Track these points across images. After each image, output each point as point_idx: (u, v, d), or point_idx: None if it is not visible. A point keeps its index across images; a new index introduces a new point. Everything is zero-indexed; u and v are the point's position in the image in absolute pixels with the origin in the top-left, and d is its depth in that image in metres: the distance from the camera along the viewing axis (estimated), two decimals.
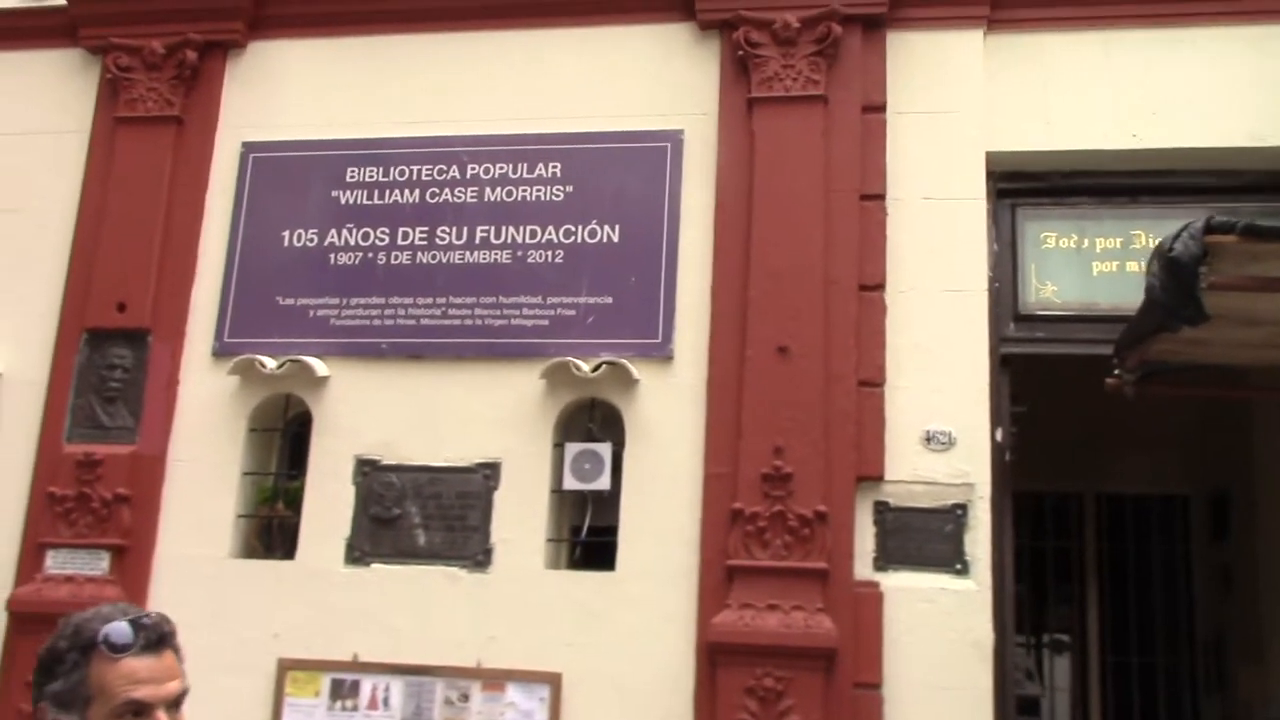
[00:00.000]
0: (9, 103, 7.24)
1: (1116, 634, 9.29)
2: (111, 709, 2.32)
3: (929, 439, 6.00)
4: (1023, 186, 6.50)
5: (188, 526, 6.43)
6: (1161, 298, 4.33)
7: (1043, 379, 6.63)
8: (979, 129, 6.36)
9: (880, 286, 6.20)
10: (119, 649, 2.35)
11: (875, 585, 5.86)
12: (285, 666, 6.11)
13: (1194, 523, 9.93)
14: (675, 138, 6.53)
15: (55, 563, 6.36)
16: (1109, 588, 9.32)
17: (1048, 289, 6.47)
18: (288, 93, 7.00)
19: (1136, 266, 6.40)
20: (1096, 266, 6.49)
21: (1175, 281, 4.27)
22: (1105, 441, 8.99)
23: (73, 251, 6.90)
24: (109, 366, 6.62)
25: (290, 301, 6.64)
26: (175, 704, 2.39)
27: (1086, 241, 6.52)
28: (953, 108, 6.40)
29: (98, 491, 6.40)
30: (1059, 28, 6.48)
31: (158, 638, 2.39)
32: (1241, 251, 4.25)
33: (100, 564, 6.32)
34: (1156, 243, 4.50)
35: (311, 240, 6.72)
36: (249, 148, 6.91)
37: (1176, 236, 4.28)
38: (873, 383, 6.08)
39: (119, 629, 2.35)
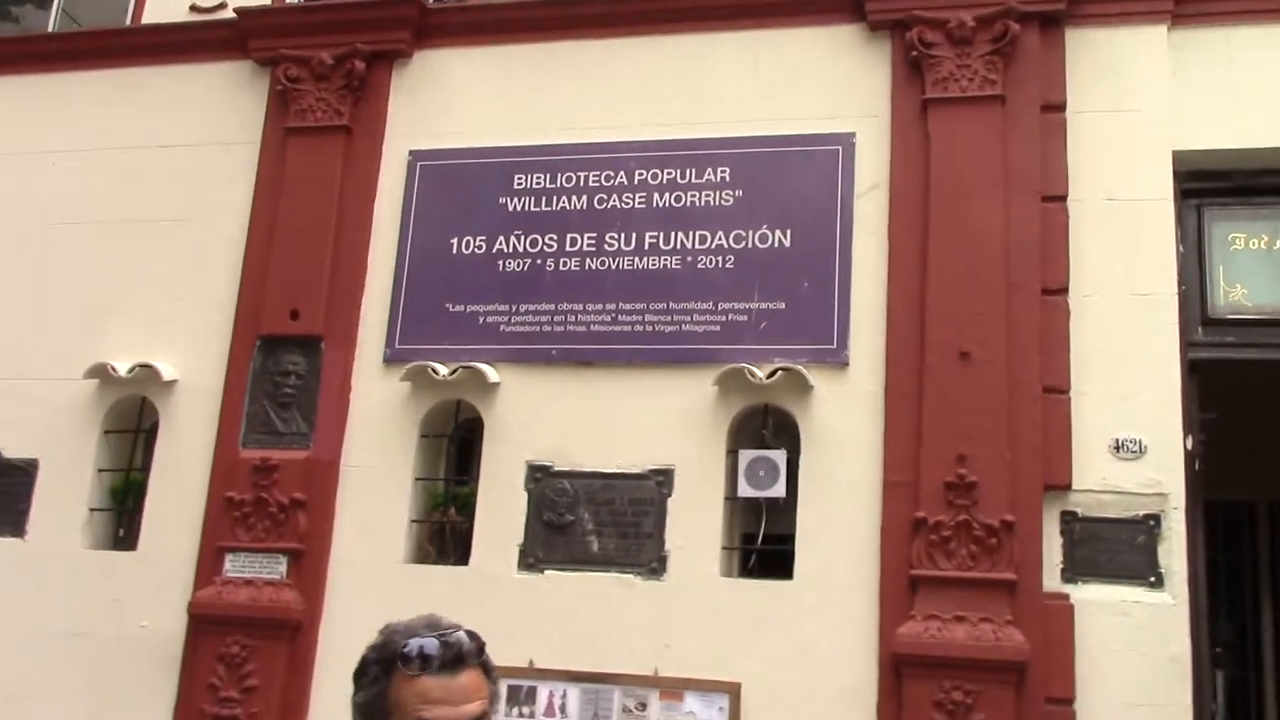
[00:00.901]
0: (180, 114, 7.41)
1: None
2: None
3: (1118, 447, 5.82)
4: (1209, 186, 6.28)
5: (362, 531, 6.49)
6: None
7: (1224, 385, 6.40)
8: (1164, 127, 6.17)
9: (1064, 290, 6.04)
10: (414, 666, 2.32)
11: (1065, 597, 5.70)
12: None
13: None
14: (847, 140, 6.44)
15: (234, 566, 6.47)
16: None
17: (1237, 292, 6.25)
18: (454, 101, 7.06)
19: None
20: None
21: None
22: (1274, 448, 8.66)
23: (245, 260, 7.03)
24: (283, 373, 6.72)
25: (460, 308, 6.68)
26: None
27: (1277, 242, 6.27)
28: (1136, 106, 6.22)
29: (274, 496, 6.50)
30: (1246, 20, 6.26)
31: (455, 656, 2.32)
32: None
33: (278, 568, 6.42)
34: None
35: (480, 247, 6.75)
36: (416, 156, 6.98)
37: None
38: (1058, 389, 5.92)
39: (416, 646, 2.31)
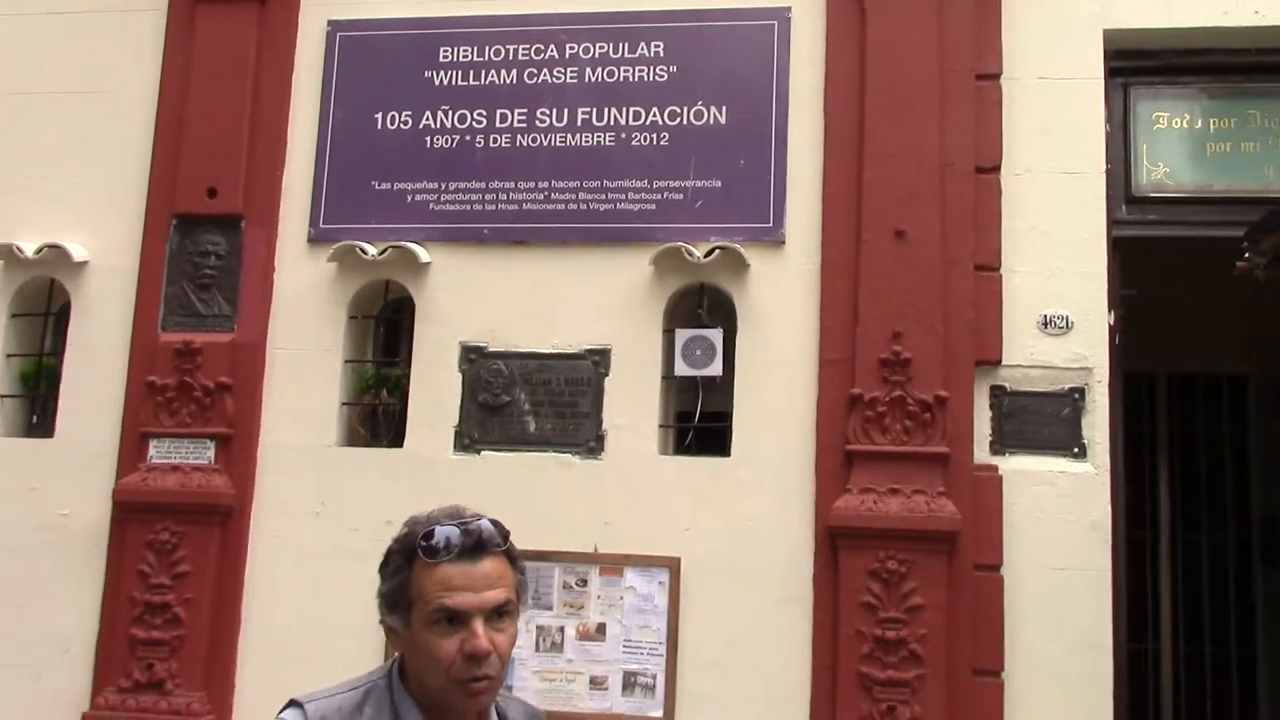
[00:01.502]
0: None
1: (1187, 513, 9.42)
2: (426, 614, 2.27)
3: (1046, 323, 5.97)
4: (1136, 65, 6.35)
5: (292, 415, 6.37)
6: None
7: (1144, 261, 6.56)
8: (1096, 5, 6.20)
9: (996, 169, 6.09)
10: (433, 554, 2.29)
11: (994, 469, 5.87)
12: None
13: (1252, 401, 9.98)
14: (782, 15, 6.35)
15: (159, 452, 6.31)
16: (1179, 468, 9.42)
17: (1159, 170, 6.38)
18: None
19: (1252, 147, 6.36)
20: (1210, 147, 6.39)
21: None
22: (1175, 323, 8.96)
23: (156, 136, 6.69)
24: (202, 253, 6.49)
25: (386, 186, 6.49)
26: (499, 612, 2.30)
27: (1200, 122, 6.41)
28: None
29: (199, 380, 6.33)
30: None
31: (474, 543, 2.30)
32: None
33: (206, 453, 6.28)
34: None
35: (406, 123, 6.54)
36: (335, 26, 6.69)
37: None
38: (989, 267, 6.02)
39: (435, 533, 2.29)
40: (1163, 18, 6.21)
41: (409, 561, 2.32)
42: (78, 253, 6.58)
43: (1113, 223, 6.18)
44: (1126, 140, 6.36)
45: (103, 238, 6.65)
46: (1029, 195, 6.08)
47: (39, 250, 6.55)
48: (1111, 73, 6.28)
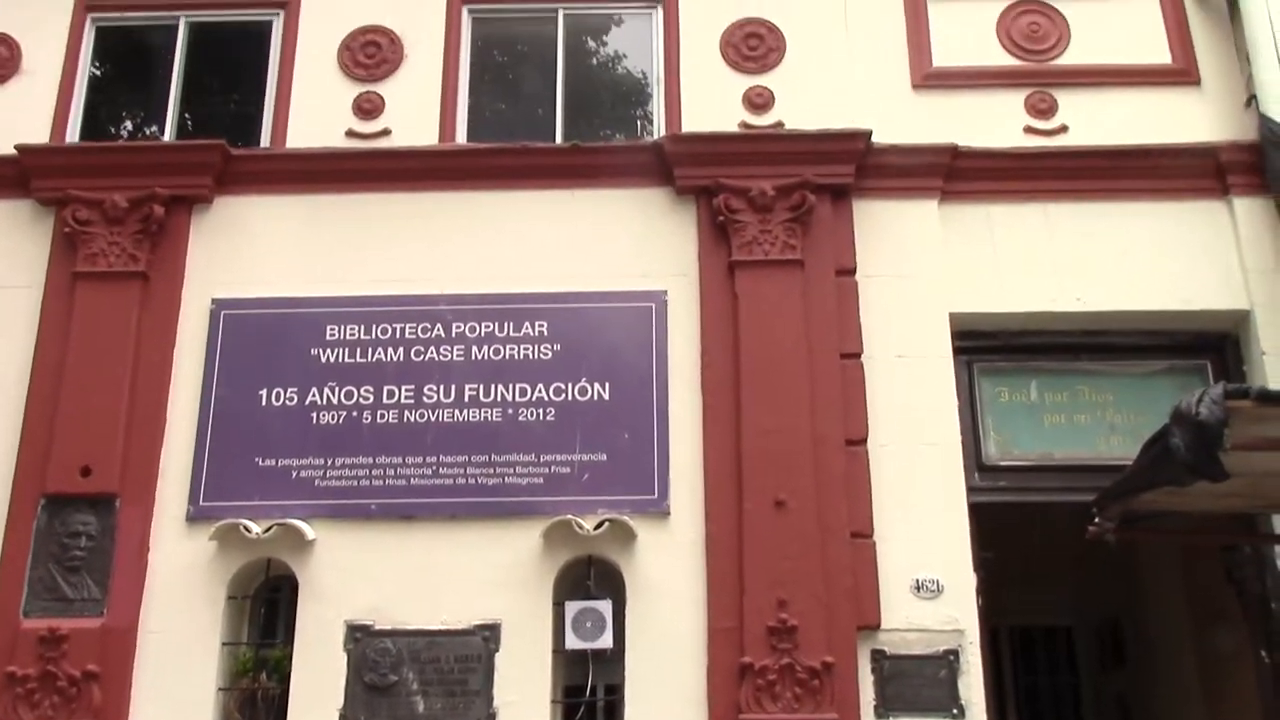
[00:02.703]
0: None
1: None
2: None
3: (919, 587, 6.30)
4: (978, 344, 6.97)
5: (164, 703, 6.11)
6: (1187, 458, 4.72)
7: (999, 524, 7.02)
8: (939, 291, 6.84)
9: (863, 441, 6.53)
10: None
11: None
12: None
13: (1081, 652, 10.53)
14: (659, 298, 6.77)
15: None
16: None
17: (1005, 439, 6.93)
18: (259, 249, 6.94)
19: (1084, 419, 6.99)
20: (1048, 419, 7.00)
21: (1200, 443, 4.68)
22: (1014, 581, 9.49)
23: (26, 412, 6.57)
24: (72, 534, 6.29)
25: (270, 463, 6.49)
26: None
27: (1036, 395, 7.03)
28: (915, 272, 6.87)
29: (64, 669, 6.03)
30: (1004, 199, 7.06)
31: None
32: (1254, 415, 4.72)
33: None
34: (1173, 406, 4.93)
35: (291, 399, 6.61)
36: (220, 304, 6.79)
37: (1199, 401, 4.71)
38: (863, 534, 6.36)
39: None
40: (999, 303, 6.89)
41: None
42: None
43: (968, 489, 6.62)
44: (974, 412, 6.92)
45: None
46: (895, 465, 6.51)
47: None
48: (957, 351, 6.86)
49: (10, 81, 7.39)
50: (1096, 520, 6.10)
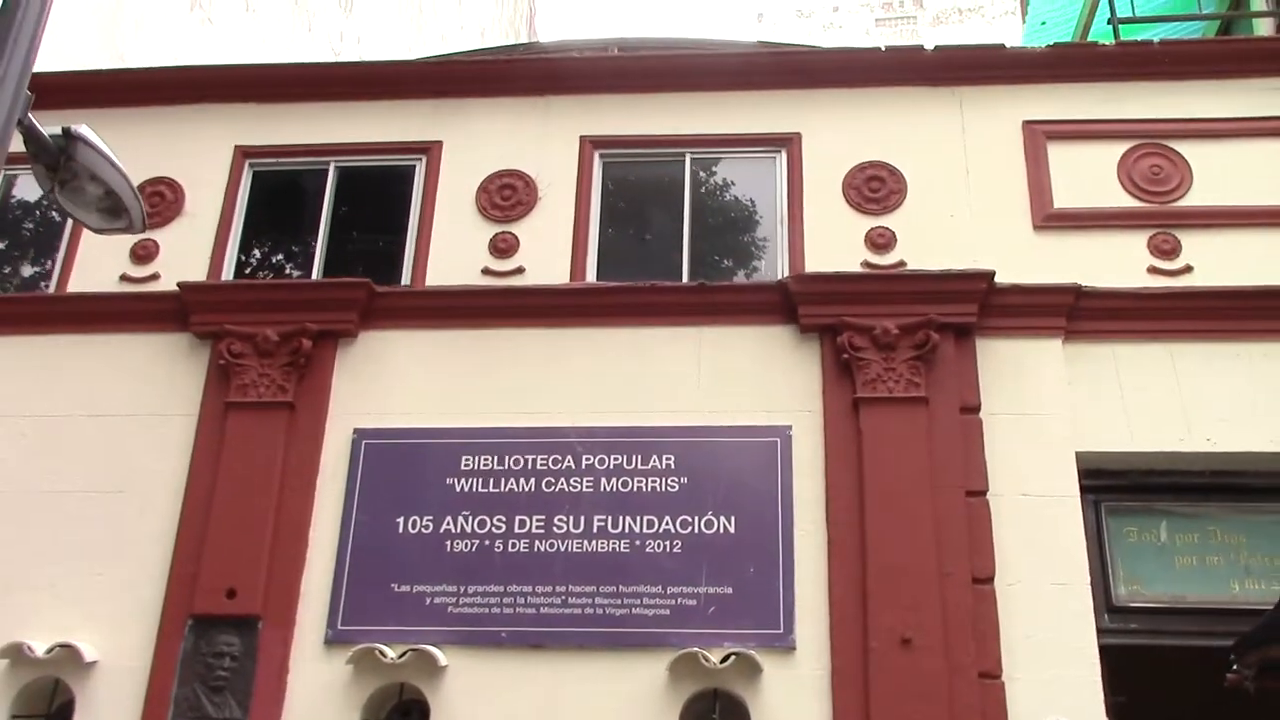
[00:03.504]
0: (115, 384, 7.39)
1: None
2: None
3: None
4: (1106, 484, 6.98)
5: None
6: None
7: (1129, 669, 6.93)
8: (1066, 430, 6.90)
9: (990, 579, 6.55)
10: None
11: None
12: None
13: None
14: (784, 433, 6.94)
15: None
16: None
17: (1136, 581, 6.89)
18: (399, 381, 7.30)
19: (1216, 561, 6.92)
20: (1178, 560, 6.94)
21: None
22: None
23: (178, 536, 6.94)
24: (216, 654, 6.57)
25: (405, 589, 6.74)
26: None
27: (1166, 536, 6.99)
28: (1040, 410, 6.96)
29: None
30: (1128, 339, 7.14)
31: None
32: None
33: None
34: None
35: (427, 527, 6.87)
36: (361, 434, 7.14)
37: None
38: (991, 675, 6.34)
39: None
40: (1127, 442, 6.92)
41: None
42: (88, 652, 6.62)
43: (1098, 630, 6.58)
44: (1103, 553, 6.90)
45: (116, 638, 6.72)
46: (1022, 604, 6.51)
47: (50, 650, 6.57)
48: (1084, 490, 6.87)
49: (173, 223, 7.94)
50: (1235, 668, 6.03)
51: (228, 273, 7.86)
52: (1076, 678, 6.35)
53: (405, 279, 7.73)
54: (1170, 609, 6.82)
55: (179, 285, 7.51)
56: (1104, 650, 6.58)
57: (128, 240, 7.75)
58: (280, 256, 8.18)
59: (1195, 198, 7.57)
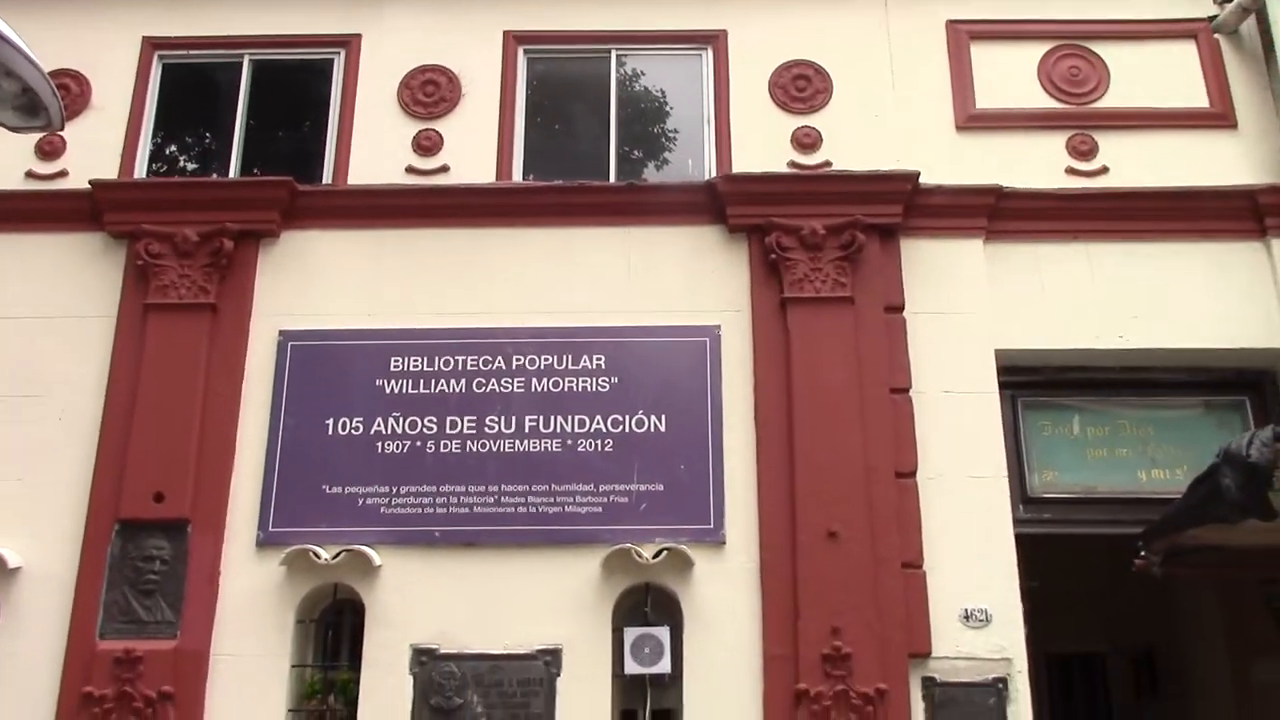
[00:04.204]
0: (26, 285, 7.19)
1: None
2: None
3: (968, 616, 6.53)
4: (1024, 380, 7.23)
5: None
6: (1238, 498, 5.02)
7: (1042, 555, 7.25)
8: (986, 327, 7.10)
9: (912, 473, 6.78)
10: None
11: None
12: None
13: (1114, 680, 10.74)
14: (713, 333, 7.04)
15: None
16: None
17: (1049, 473, 7.18)
18: (324, 282, 7.22)
19: (1125, 453, 7.24)
20: (1090, 453, 7.24)
21: (1251, 484, 4.96)
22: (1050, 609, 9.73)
23: (101, 440, 6.83)
24: (146, 558, 6.55)
25: (337, 490, 6.75)
26: None
27: (1079, 430, 7.28)
28: (962, 309, 7.14)
29: (139, 689, 6.28)
30: (1048, 239, 7.33)
31: None
32: None
33: None
34: (1222, 447, 5.20)
35: (357, 429, 6.87)
36: (287, 336, 7.07)
37: (1249, 443, 5.00)
38: (914, 564, 6.60)
39: None
40: (1044, 339, 7.15)
41: None
42: (11, 559, 6.55)
43: (1014, 521, 6.86)
44: (1018, 446, 7.16)
45: (40, 544, 6.64)
46: (943, 497, 6.75)
47: None
48: (1002, 386, 7.11)
49: (80, 118, 7.65)
50: (1143, 554, 6.37)
51: (140, 170, 7.65)
52: (994, 566, 6.64)
53: (327, 178, 7.60)
54: (1082, 499, 7.13)
55: (91, 184, 7.29)
56: (1019, 539, 6.85)
57: (31, 134, 7.46)
58: (195, 154, 7.97)
59: (1112, 99, 7.75)
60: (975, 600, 6.57)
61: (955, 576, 6.61)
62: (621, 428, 6.88)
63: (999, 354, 7.08)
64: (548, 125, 7.95)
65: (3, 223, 7.32)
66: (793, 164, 7.51)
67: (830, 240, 7.10)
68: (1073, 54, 7.87)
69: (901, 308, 7.12)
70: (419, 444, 6.85)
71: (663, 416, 6.90)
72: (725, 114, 7.71)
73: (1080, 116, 7.70)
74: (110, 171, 7.53)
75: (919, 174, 7.24)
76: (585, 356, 7.02)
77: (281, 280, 7.23)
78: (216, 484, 6.75)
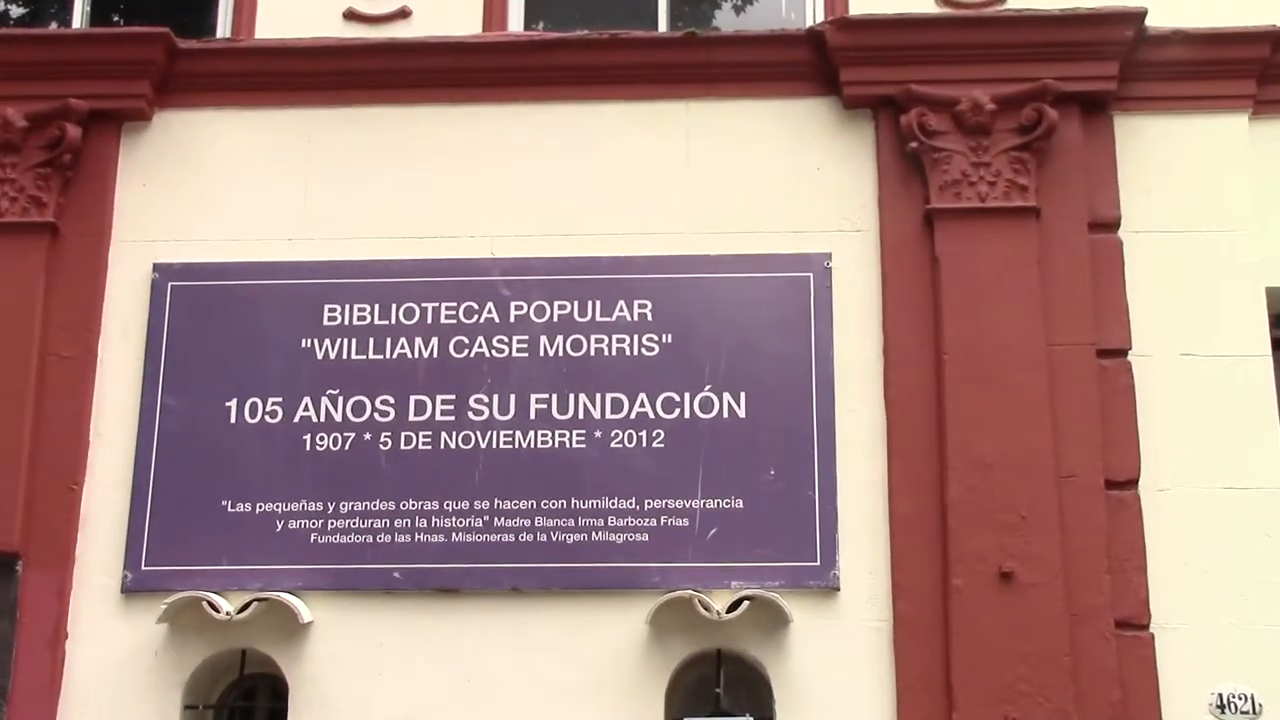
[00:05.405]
0: None
1: None
2: None
3: (1224, 706, 6.64)
4: None
5: None
6: None
7: None
8: (1253, 255, 7.19)
9: (1133, 483, 6.90)
10: None
11: None
12: None
13: None
14: (819, 265, 7.21)
15: None
16: None
17: None
18: (219, 190, 7.47)
19: None
20: None
21: None
22: None
23: None
24: None
25: (245, 508, 6.99)
26: None
27: None
28: (1213, 225, 7.25)
29: None
30: None
31: None
32: None
33: None
34: None
35: (274, 414, 7.11)
36: (164, 272, 7.31)
37: None
38: (1135, 624, 6.71)
39: None
40: None
41: None
42: None
43: None
44: None
45: None
46: (1181, 520, 6.86)
47: None
48: (1278, 346, 7.19)
49: None
50: None
51: None
52: (1266, 627, 6.74)
53: (223, 30, 7.83)
54: None
55: None
56: None
57: None
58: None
59: None
60: (1234, 680, 6.67)
61: (1202, 643, 6.72)
62: (678, 412, 7.05)
63: (1272, 295, 7.17)
64: None
65: None
66: (945, 2, 7.61)
67: (1004, 119, 7.22)
68: None
69: (1116, 224, 7.25)
70: (368, 437, 7.07)
71: (741, 395, 7.06)
72: None
73: None
74: None
75: (1145, 11, 7.31)
76: (622, 303, 7.20)
77: (155, 187, 7.48)
78: (60, 500, 6.99)
